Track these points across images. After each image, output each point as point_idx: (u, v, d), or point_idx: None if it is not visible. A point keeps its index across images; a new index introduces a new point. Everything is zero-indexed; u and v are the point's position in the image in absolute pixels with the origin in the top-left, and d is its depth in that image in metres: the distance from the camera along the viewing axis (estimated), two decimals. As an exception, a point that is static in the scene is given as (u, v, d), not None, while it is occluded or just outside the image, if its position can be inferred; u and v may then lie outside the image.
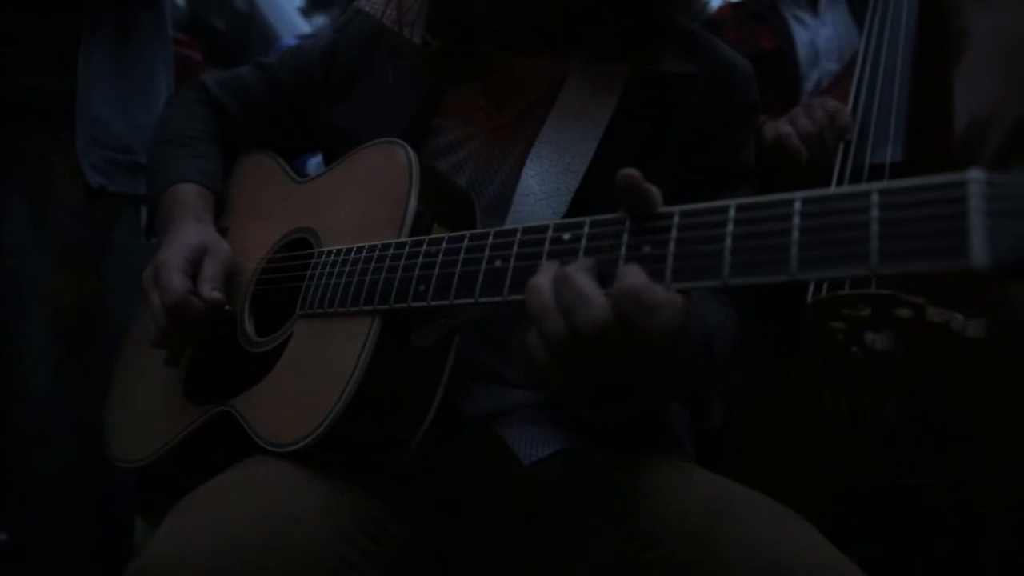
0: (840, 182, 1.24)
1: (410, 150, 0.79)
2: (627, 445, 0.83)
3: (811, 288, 1.14)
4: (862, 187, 0.46)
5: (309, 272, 0.81)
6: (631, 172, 0.56)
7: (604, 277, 0.55)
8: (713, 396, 1.35)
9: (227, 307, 0.87)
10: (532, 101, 0.89)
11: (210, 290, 0.85)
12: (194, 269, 0.87)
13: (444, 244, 0.68)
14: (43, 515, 1.14)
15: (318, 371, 0.75)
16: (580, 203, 0.82)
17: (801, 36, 1.64)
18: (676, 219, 0.53)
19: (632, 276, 0.53)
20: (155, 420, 0.93)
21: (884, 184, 0.45)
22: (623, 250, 0.55)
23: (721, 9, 1.84)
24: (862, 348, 1.11)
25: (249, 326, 0.88)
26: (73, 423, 1.15)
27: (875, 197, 0.45)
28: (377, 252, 0.74)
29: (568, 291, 0.55)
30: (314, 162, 1.45)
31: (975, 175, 0.41)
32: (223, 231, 0.97)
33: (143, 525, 1.26)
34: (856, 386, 1.17)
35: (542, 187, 0.82)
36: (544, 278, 0.57)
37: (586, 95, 0.86)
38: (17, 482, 1.16)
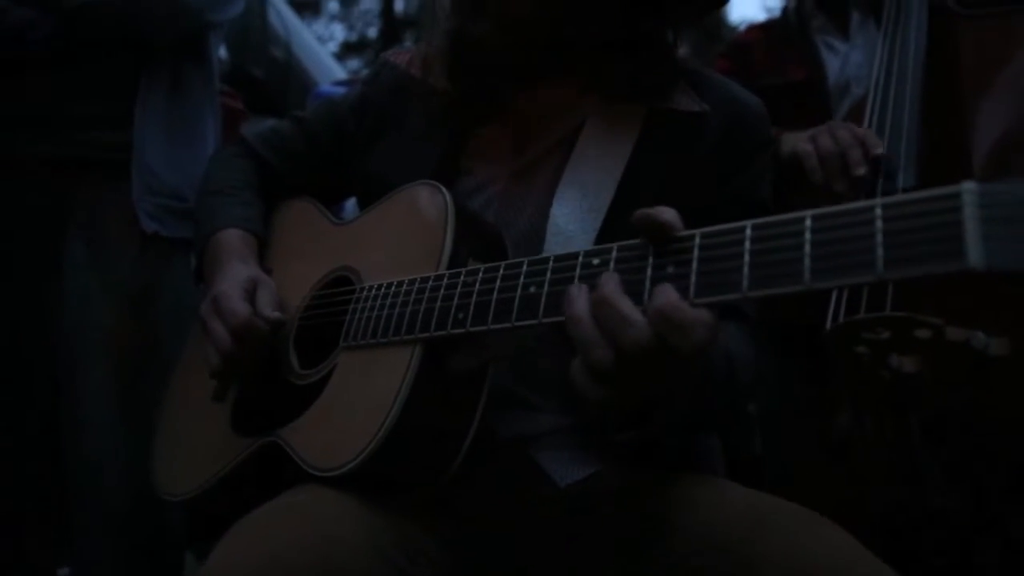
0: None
1: (444, 190, 0.84)
2: (659, 465, 0.86)
3: (829, 315, 1.16)
4: (866, 203, 0.50)
5: (352, 306, 0.86)
6: (642, 213, 0.62)
7: (632, 296, 0.59)
8: (743, 422, 1.37)
9: (283, 332, 0.91)
10: (553, 143, 0.94)
11: (271, 311, 0.91)
12: (251, 297, 0.93)
13: (480, 274, 0.73)
14: (101, 549, 1.19)
15: (362, 399, 0.79)
16: (604, 241, 0.86)
17: (832, 64, 1.63)
18: (697, 240, 0.58)
19: (664, 294, 0.57)
20: (202, 454, 0.97)
21: (887, 199, 0.50)
22: (649, 271, 0.60)
23: (749, 31, 1.84)
24: (889, 371, 1.12)
25: (294, 360, 0.93)
26: (129, 460, 1.20)
27: (878, 211, 0.49)
28: (417, 285, 0.79)
29: (608, 314, 0.59)
30: (350, 205, 1.51)
31: (968, 186, 0.46)
32: (267, 272, 1.02)
33: (192, 559, 1.30)
34: (884, 408, 1.18)
35: (569, 227, 0.86)
36: (581, 306, 0.60)
37: (605, 136, 0.91)
38: (78, 517, 1.21)
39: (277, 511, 0.76)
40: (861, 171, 1.23)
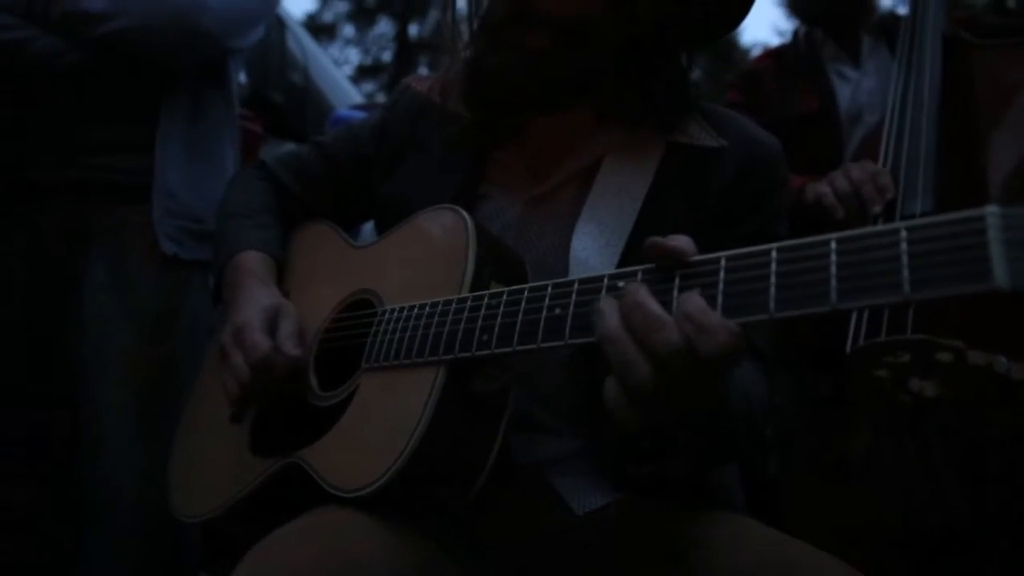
0: None
1: (466, 213, 0.85)
2: (675, 498, 0.85)
3: (849, 339, 1.16)
4: (891, 225, 0.51)
5: (373, 328, 0.87)
6: (652, 241, 0.63)
7: None
8: (760, 448, 1.36)
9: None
10: (571, 173, 0.95)
11: (293, 347, 0.91)
12: (272, 329, 0.93)
13: (505, 297, 0.74)
14: (117, 570, 1.19)
15: (385, 420, 0.79)
16: None
17: (843, 92, 1.65)
18: (723, 263, 0.59)
19: (690, 299, 0.57)
20: (220, 474, 0.98)
21: (911, 222, 0.50)
22: (675, 292, 0.60)
23: (759, 59, 1.87)
24: (910, 395, 1.11)
25: (314, 381, 0.93)
26: (146, 480, 1.21)
27: (903, 233, 0.50)
28: (440, 307, 0.79)
29: (638, 317, 0.59)
30: (367, 228, 1.53)
31: (992, 210, 0.46)
32: (285, 294, 1.03)
33: (208, 580, 1.30)
34: (905, 432, 1.18)
35: (590, 259, 0.87)
36: (614, 321, 0.60)
37: (624, 170, 0.92)
38: (94, 537, 1.22)
39: (299, 532, 0.76)
40: (877, 209, 1.27)
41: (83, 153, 1.35)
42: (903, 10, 1.64)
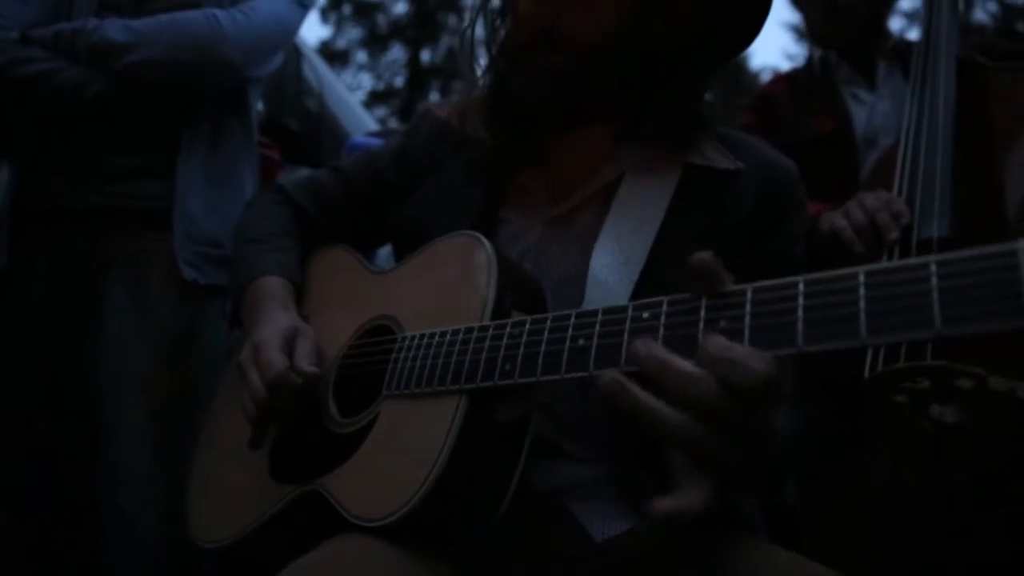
0: (890, 258, 1.26)
1: (486, 241, 0.86)
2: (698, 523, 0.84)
3: (867, 363, 1.15)
4: (920, 259, 0.51)
5: (394, 355, 0.87)
6: (703, 257, 0.61)
7: (686, 349, 0.59)
8: (784, 477, 1.35)
9: (321, 385, 0.92)
10: (590, 194, 0.95)
11: (308, 365, 0.91)
12: (289, 348, 0.94)
13: (527, 326, 0.73)
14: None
15: (406, 449, 0.79)
16: (638, 295, 0.86)
17: (859, 115, 1.66)
18: (749, 295, 0.59)
19: (712, 340, 0.57)
20: (238, 501, 0.97)
21: (941, 256, 0.50)
22: (701, 324, 0.60)
23: (774, 83, 1.88)
24: (930, 421, 1.10)
25: (333, 408, 0.93)
26: (164, 506, 1.21)
27: (933, 267, 0.50)
28: (461, 335, 0.79)
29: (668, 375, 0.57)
30: (384, 253, 1.54)
31: None
32: (303, 319, 1.03)
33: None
34: (926, 459, 1.17)
35: (608, 278, 0.87)
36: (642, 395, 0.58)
37: (642, 193, 0.92)
38: (111, 563, 1.21)
39: (319, 561, 0.76)
40: (894, 235, 1.26)
41: (106, 181, 1.37)
42: (916, 36, 1.65)
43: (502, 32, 1.01)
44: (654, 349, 0.59)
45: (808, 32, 1.86)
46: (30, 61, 1.32)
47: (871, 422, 1.23)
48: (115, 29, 1.33)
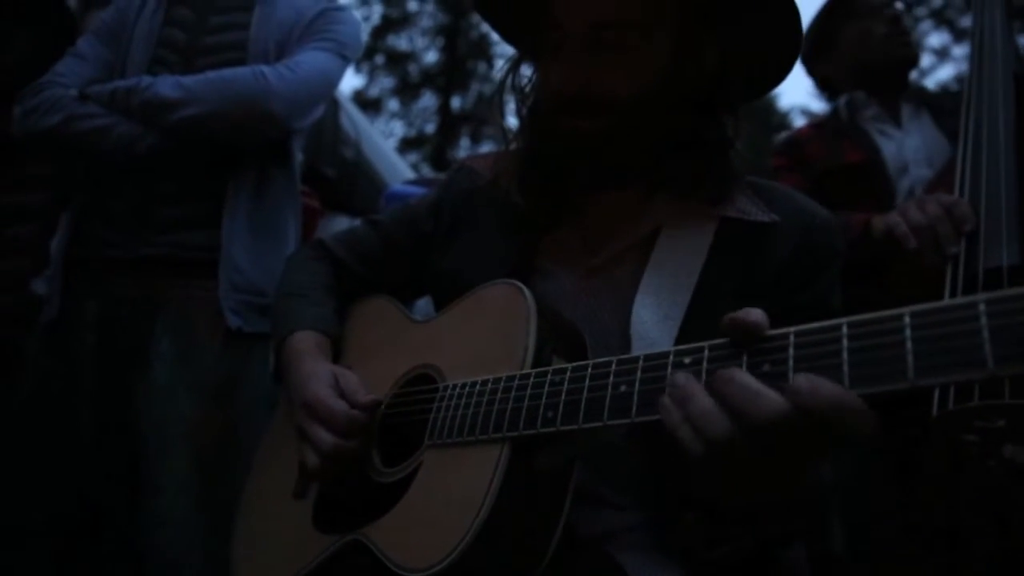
0: (954, 291, 1.19)
1: (525, 288, 0.86)
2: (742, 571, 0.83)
3: (936, 400, 1.10)
4: (968, 298, 0.50)
5: (436, 404, 0.87)
6: (730, 317, 0.62)
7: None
8: (822, 522, 1.30)
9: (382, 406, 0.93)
10: (626, 246, 0.96)
11: (364, 396, 0.93)
12: (339, 392, 0.95)
13: (568, 373, 0.74)
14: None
15: (450, 497, 0.79)
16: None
17: (887, 147, 1.64)
18: (792, 339, 0.58)
19: (806, 378, 0.55)
20: (283, 551, 0.97)
21: (989, 295, 0.49)
22: (744, 369, 0.60)
23: (803, 130, 1.88)
24: (1000, 462, 1.05)
25: (376, 457, 0.94)
26: (207, 554, 1.21)
27: (982, 307, 0.49)
28: (503, 383, 0.80)
29: (732, 388, 0.57)
30: (422, 303, 1.55)
31: None
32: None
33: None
34: (996, 502, 1.11)
35: (650, 333, 0.87)
36: (692, 384, 0.59)
37: (679, 246, 0.93)
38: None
39: None
40: (954, 250, 1.20)
41: (156, 231, 1.42)
42: (938, 74, 1.65)
43: (532, 92, 1.02)
44: (730, 370, 0.59)
45: (832, 88, 1.88)
46: (87, 117, 1.38)
47: (927, 463, 1.19)
48: (167, 86, 1.39)
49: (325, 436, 0.92)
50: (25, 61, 1.57)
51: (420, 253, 1.12)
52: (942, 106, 1.69)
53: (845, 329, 0.55)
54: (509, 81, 1.04)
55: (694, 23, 0.92)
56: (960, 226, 1.21)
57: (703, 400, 0.58)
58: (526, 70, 1.04)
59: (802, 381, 0.54)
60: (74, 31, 1.72)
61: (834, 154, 1.67)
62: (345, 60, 1.56)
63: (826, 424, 0.53)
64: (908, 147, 1.63)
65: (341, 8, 1.62)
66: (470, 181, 1.11)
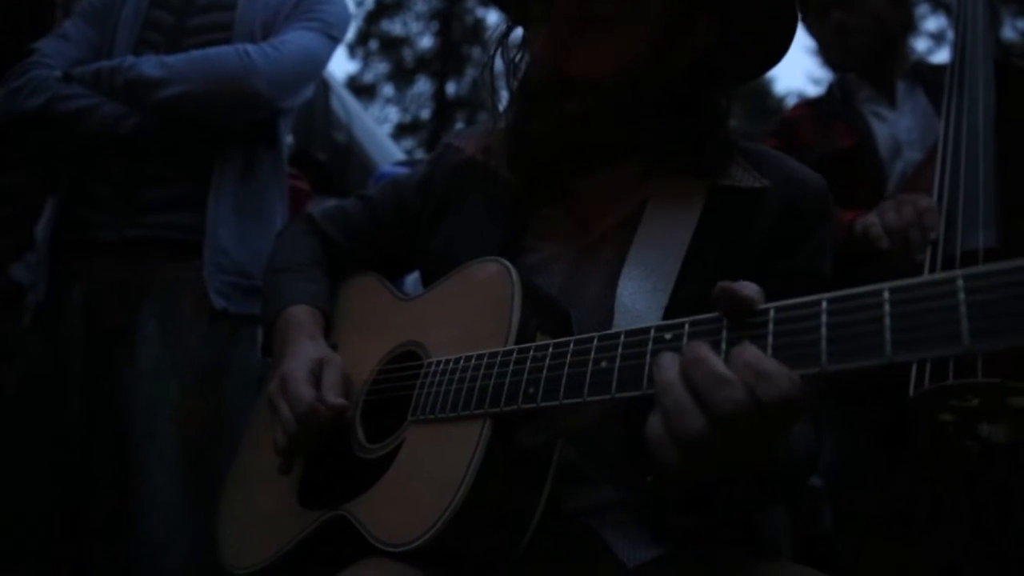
0: (933, 267, 1.22)
1: (510, 266, 0.86)
2: (723, 548, 0.83)
3: (912, 380, 1.11)
4: (946, 274, 0.50)
5: (420, 381, 0.87)
6: (722, 287, 0.61)
7: None
8: (809, 497, 1.32)
9: (349, 413, 0.93)
10: (616, 222, 0.95)
11: (335, 397, 0.92)
12: (316, 380, 0.95)
13: (550, 349, 0.73)
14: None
15: (431, 473, 0.79)
16: (670, 318, 0.85)
17: (881, 130, 1.64)
18: (772, 314, 0.58)
19: (744, 348, 0.57)
20: (267, 526, 0.98)
21: (968, 270, 0.49)
22: (724, 345, 0.60)
23: (795, 109, 1.88)
24: (977, 441, 1.06)
25: (360, 434, 0.94)
26: (194, 534, 1.22)
27: (960, 282, 0.49)
28: (486, 360, 0.80)
29: (702, 374, 0.57)
30: (411, 279, 1.55)
31: None
32: (332, 347, 1.05)
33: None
34: (975, 481, 1.12)
35: (636, 305, 0.86)
36: (672, 372, 0.59)
37: (668, 215, 0.92)
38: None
39: None
40: (920, 257, 1.23)
41: (141, 212, 1.41)
42: (940, 56, 1.64)
43: (523, 68, 1.01)
44: (698, 344, 0.59)
45: (822, 57, 1.87)
46: (71, 98, 1.37)
47: (913, 444, 1.19)
48: (150, 65, 1.38)
49: (289, 415, 0.92)
50: (2, 42, 1.55)
51: (408, 230, 1.11)
52: (939, 82, 1.68)
53: (824, 304, 0.55)
54: (498, 56, 1.02)
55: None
56: (927, 234, 1.25)
57: (673, 373, 0.59)
58: (517, 49, 1.03)
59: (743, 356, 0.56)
60: (52, 10, 1.70)
61: (827, 139, 1.66)
62: (332, 40, 1.55)
63: (760, 400, 0.55)
64: (901, 128, 1.63)
65: (327, -12, 1.60)
66: (458, 160, 1.10)
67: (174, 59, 1.39)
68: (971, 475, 1.13)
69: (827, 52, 1.79)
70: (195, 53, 1.40)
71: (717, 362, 0.57)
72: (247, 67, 1.38)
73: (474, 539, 0.77)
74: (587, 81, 0.89)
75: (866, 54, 1.70)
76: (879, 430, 1.27)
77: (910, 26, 1.79)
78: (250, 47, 1.41)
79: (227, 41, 1.46)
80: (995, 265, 0.48)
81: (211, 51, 1.40)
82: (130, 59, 1.40)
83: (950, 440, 1.09)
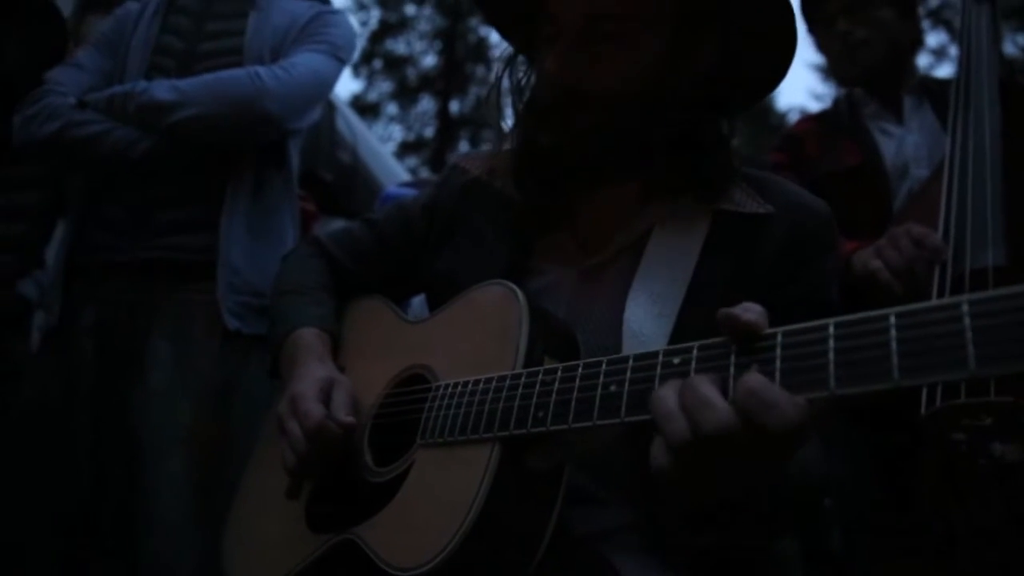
0: (941, 292, 1.22)
1: (518, 289, 0.86)
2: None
3: (924, 399, 1.10)
4: (952, 299, 0.51)
5: (428, 404, 0.87)
6: (725, 313, 0.62)
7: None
8: (817, 519, 1.31)
9: (357, 435, 0.93)
10: (620, 246, 0.96)
11: (345, 415, 0.92)
12: (326, 399, 0.95)
13: (559, 373, 0.74)
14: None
15: (440, 497, 0.79)
16: (675, 343, 0.86)
17: (887, 148, 1.64)
18: (779, 339, 0.59)
19: (753, 379, 0.57)
20: (275, 549, 0.98)
21: (973, 296, 0.50)
22: (732, 370, 0.60)
23: (800, 123, 1.89)
24: (990, 459, 1.06)
25: (368, 457, 0.94)
26: (201, 556, 1.22)
27: (965, 307, 0.49)
28: (495, 383, 0.80)
29: (690, 396, 0.59)
30: (416, 301, 1.56)
31: None
32: (340, 369, 1.05)
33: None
34: (988, 501, 1.12)
35: (643, 331, 0.87)
36: (669, 390, 0.61)
37: (673, 241, 0.93)
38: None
39: None
40: (933, 290, 1.22)
41: (153, 235, 1.42)
42: (941, 73, 1.65)
43: (529, 89, 1.02)
44: (699, 378, 0.61)
45: (831, 72, 1.87)
46: (85, 124, 1.39)
47: (921, 463, 1.19)
48: (162, 90, 1.40)
49: (298, 434, 0.92)
50: (18, 70, 1.57)
51: (414, 253, 1.12)
52: (947, 97, 1.68)
53: (832, 329, 0.56)
54: (505, 78, 1.04)
55: (693, 20, 0.91)
56: (934, 259, 1.25)
57: (670, 400, 0.61)
58: (523, 71, 1.05)
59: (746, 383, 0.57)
60: (66, 39, 1.73)
61: (833, 156, 1.66)
62: (339, 61, 1.57)
63: (764, 428, 0.56)
64: (908, 144, 1.63)
65: (335, 11, 1.63)
66: (464, 181, 1.11)
67: (186, 83, 1.41)
68: (984, 494, 1.12)
69: (836, 65, 1.80)
70: (207, 76, 1.42)
71: (707, 387, 0.59)
72: (259, 89, 1.40)
73: (483, 563, 0.77)
74: (597, 95, 0.91)
75: (875, 67, 1.70)
76: (890, 449, 1.27)
77: (919, 41, 1.80)
78: (261, 69, 1.43)
79: (237, 65, 1.48)
80: (1000, 291, 0.49)
81: (223, 74, 1.42)
82: (142, 83, 1.42)
83: (962, 459, 1.08)
